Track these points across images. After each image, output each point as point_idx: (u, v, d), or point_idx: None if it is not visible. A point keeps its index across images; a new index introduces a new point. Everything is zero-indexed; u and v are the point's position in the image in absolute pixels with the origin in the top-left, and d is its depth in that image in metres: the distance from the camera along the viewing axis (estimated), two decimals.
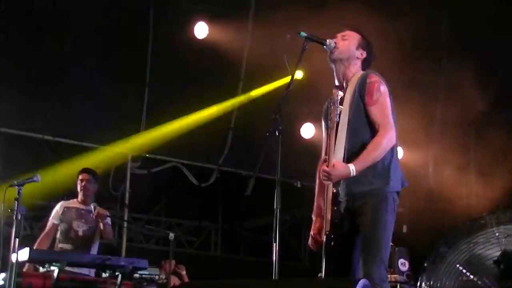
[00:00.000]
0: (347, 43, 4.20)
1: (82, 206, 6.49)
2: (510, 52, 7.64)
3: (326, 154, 4.18)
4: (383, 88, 4.06)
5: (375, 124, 3.99)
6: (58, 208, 6.55)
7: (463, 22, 8.02)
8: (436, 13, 8.26)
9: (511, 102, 7.90)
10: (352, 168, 3.88)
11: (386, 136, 3.95)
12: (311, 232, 4.23)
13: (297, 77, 8.50)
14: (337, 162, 3.92)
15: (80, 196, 6.55)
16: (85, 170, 6.69)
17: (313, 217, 4.27)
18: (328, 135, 4.10)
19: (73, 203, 6.57)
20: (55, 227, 6.45)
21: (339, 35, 4.23)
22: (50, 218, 6.52)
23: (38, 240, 6.40)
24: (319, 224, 4.19)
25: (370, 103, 4.02)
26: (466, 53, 7.99)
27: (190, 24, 8.73)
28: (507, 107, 7.93)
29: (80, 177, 6.59)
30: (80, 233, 6.37)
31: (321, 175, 3.97)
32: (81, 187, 6.53)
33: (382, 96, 4.03)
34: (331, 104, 4.04)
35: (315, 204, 4.30)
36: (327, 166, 3.94)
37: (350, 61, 4.20)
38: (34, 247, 6.25)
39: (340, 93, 4.04)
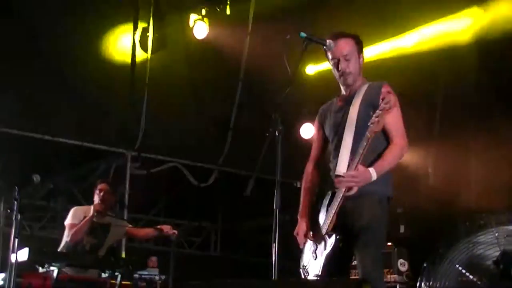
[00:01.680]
0: (354, 63, 4.24)
1: (96, 220, 6.39)
2: None
3: (317, 155, 4.35)
4: (395, 99, 4.09)
5: (390, 132, 4.06)
6: (75, 212, 6.44)
7: None
8: None
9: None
10: (373, 173, 3.94)
11: (402, 145, 4.05)
12: (297, 232, 4.24)
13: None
14: (361, 167, 3.93)
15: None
16: (104, 181, 6.57)
17: (299, 218, 4.29)
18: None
19: (88, 211, 6.41)
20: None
21: (340, 57, 4.23)
22: (70, 221, 6.38)
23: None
24: (306, 224, 4.22)
25: (383, 113, 4.04)
26: None
27: (190, 24, 8.72)
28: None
29: (98, 187, 6.49)
30: (87, 247, 6.32)
31: (344, 180, 3.95)
32: (99, 197, 6.43)
33: (397, 107, 4.09)
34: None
35: (302, 204, 4.32)
36: (335, 171, 4.02)
37: (352, 64, 4.24)
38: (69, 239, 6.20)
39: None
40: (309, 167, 4.43)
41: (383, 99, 3.94)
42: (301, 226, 4.27)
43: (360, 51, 4.27)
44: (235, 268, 10.10)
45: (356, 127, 4.07)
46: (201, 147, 9.30)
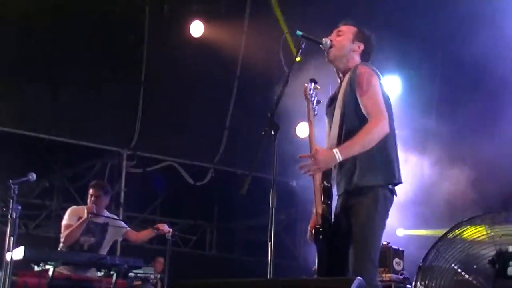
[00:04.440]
0: (342, 39, 4.19)
1: (92, 219, 6.29)
2: None
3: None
4: (374, 78, 4.02)
5: (367, 114, 3.94)
6: (71, 212, 6.36)
7: None
8: None
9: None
10: (337, 153, 3.82)
11: (376, 125, 3.89)
12: (309, 227, 4.22)
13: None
14: (321, 148, 3.88)
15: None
16: (95, 186, 6.43)
17: (313, 212, 4.26)
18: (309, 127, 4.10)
19: (84, 212, 6.29)
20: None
21: (334, 31, 4.23)
22: (66, 221, 6.35)
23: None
24: (315, 219, 4.20)
25: (361, 94, 3.98)
26: None
27: (186, 23, 8.73)
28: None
29: (90, 191, 6.36)
30: (85, 247, 6.27)
31: (307, 165, 3.85)
32: (91, 201, 6.31)
33: (372, 86, 3.98)
34: (307, 98, 4.07)
35: (315, 199, 4.29)
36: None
37: (347, 56, 4.19)
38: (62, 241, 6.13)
39: (312, 85, 4.07)
40: None
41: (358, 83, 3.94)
42: (312, 221, 4.22)
43: (358, 38, 4.21)
44: (231, 267, 10.10)
45: (341, 114, 4.04)
46: (197, 145, 9.31)
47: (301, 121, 9.24)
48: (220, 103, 9.25)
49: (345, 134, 3.98)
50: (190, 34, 8.70)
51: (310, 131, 4.06)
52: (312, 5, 7.72)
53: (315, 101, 4.09)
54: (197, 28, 8.69)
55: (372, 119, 3.91)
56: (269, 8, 8.17)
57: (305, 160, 3.90)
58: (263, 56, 7.81)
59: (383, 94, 4.03)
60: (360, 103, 3.98)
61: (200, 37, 8.72)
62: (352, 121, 3.99)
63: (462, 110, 8.04)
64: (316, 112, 4.10)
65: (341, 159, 3.82)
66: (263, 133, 3.78)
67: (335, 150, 3.82)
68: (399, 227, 8.36)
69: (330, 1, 7.67)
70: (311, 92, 4.07)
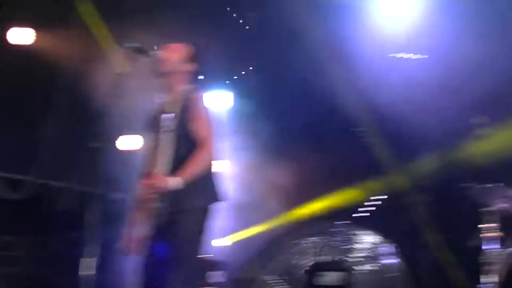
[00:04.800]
0: (174, 56, 4.23)
1: None
2: None
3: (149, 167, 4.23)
4: (205, 105, 4.16)
5: (197, 139, 4.06)
6: None
7: None
8: None
9: None
10: (173, 181, 3.93)
11: (206, 151, 4.05)
12: (123, 242, 4.21)
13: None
14: (158, 175, 3.97)
15: None
16: None
17: (128, 227, 4.26)
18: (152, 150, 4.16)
19: None
20: None
21: (165, 47, 4.25)
22: None
23: None
24: (132, 234, 4.19)
25: (193, 119, 4.09)
26: None
27: (8, 30, 8.34)
28: None
29: None
30: None
31: (143, 189, 3.99)
32: None
33: (204, 113, 4.13)
34: (158, 125, 4.13)
35: (132, 215, 4.29)
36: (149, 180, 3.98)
37: (177, 74, 4.24)
38: None
39: (169, 116, 4.13)
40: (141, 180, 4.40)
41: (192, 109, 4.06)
42: (127, 235, 4.24)
43: (188, 58, 4.27)
44: (44, 284, 9.74)
45: (175, 138, 4.11)
46: (13, 157, 8.91)
47: (123, 134, 9.17)
48: (39, 114, 8.92)
49: (180, 158, 4.06)
50: (13, 41, 8.33)
51: (153, 157, 4.13)
52: (141, 17, 7.71)
53: (164, 131, 4.13)
54: (20, 36, 8.35)
55: (203, 145, 4.05)
56: (98, 19, 8.03)
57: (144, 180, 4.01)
58: (89, 67, 7.66)
59: (210, 116, 4.18)
60: (192, 127, 4.09)
61: (23, 45, 8.38)
62: (186, 145, 4.08)
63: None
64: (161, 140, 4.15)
65: (174, 186, 3.93)
66: (88, 145, 3.73)
67: (171, 180, 3.93)
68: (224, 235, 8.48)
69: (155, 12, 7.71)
70: (164, 123, 4.10)
